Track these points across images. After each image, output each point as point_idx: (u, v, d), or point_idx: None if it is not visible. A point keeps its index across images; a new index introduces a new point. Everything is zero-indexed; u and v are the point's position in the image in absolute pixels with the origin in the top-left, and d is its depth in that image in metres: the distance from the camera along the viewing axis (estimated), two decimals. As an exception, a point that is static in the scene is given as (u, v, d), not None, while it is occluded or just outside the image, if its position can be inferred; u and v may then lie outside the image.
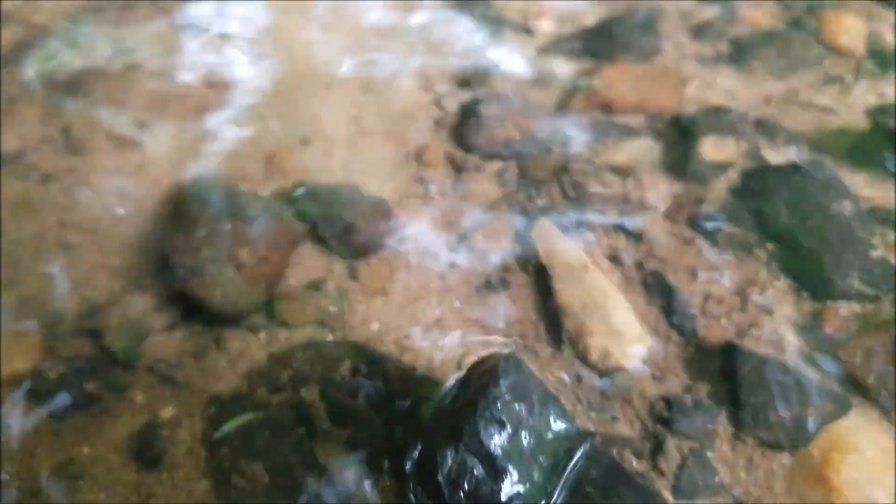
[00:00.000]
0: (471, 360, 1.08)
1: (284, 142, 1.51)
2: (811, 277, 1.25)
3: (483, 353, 1.13)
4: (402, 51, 1.72)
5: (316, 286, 1.25)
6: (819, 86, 1.63)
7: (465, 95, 1.61)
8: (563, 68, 1.68)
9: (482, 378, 0.96)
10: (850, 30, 1.76)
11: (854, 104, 1.60)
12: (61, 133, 1.54)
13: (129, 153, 1.49)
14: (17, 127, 1.55)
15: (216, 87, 1.60)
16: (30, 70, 1.66)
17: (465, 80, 1.65)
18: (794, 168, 1.40)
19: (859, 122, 1.55)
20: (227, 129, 1.53)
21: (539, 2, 1.87)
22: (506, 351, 1.09)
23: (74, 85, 1.62)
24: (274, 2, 1.83)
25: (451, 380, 1.02)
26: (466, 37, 1.76)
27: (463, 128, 1.52)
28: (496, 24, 1.80)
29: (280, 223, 1.31)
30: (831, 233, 1.29)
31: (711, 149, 1.45)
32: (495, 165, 1.47)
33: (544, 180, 1.45)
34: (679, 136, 1.49)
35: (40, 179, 1.46)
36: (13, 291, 1.25)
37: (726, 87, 1.62)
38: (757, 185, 1.38)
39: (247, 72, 1.64)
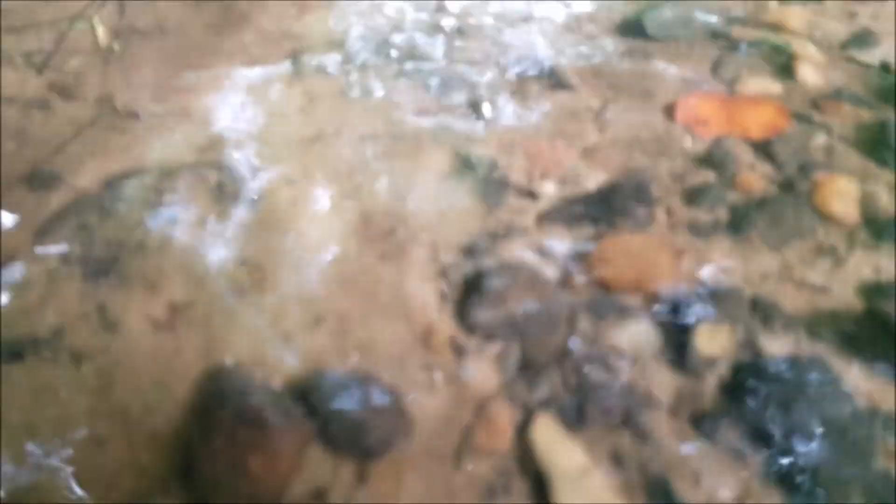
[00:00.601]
0: None
1: (300, 321, 1.51)
2: (808, 494, 1.19)
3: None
4: (414, 217, 1.72)
5: (321, 495, 1.23)
6: (812, 260, 1.58)
7: (470, 267, 1.59)
8: (565, 238, 1.65)
9: None
10: (843, 194, 1.71)
11: (848, 280, 1.54)
12: (96, 311, 1.56)
13: (164, 335, 1.49)
14: (54, 303, 1.56)
15: (247, 266, 1.61)
16: (68, 242, 1.69)
17: (470, 250, 1.63)
18: (789, 363, 1.35)
19: (853, 302, 1.49)
20: (252, 310, 1.53)
21: (543, 162, 1.87)
22: None
23: (111, 260, 1.64)
24: (300, 170, 1.87)
25: None
26: (472, 203, 1.75)
27: (466, 305, 1.50)
28: (500, 187, 1.79)
29: (291, 424, 1.29)
30: (829, 441, 1.23)
31: (707, 337, 1.41)
32: (496, 347, 1.44)
33: (545, 365, 1.42)
34: (675, 320, 1.46)
35: (72, 360, 1.47)
36: (43, 493, 1.26)
37: (721, 262, 1.57)
38: (751, 381, 1.33)
39: (271, 249, 1.65)
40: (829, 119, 1.94)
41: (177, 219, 1.73)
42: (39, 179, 1.85)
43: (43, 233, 1.71)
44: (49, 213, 1.75)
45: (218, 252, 1.65)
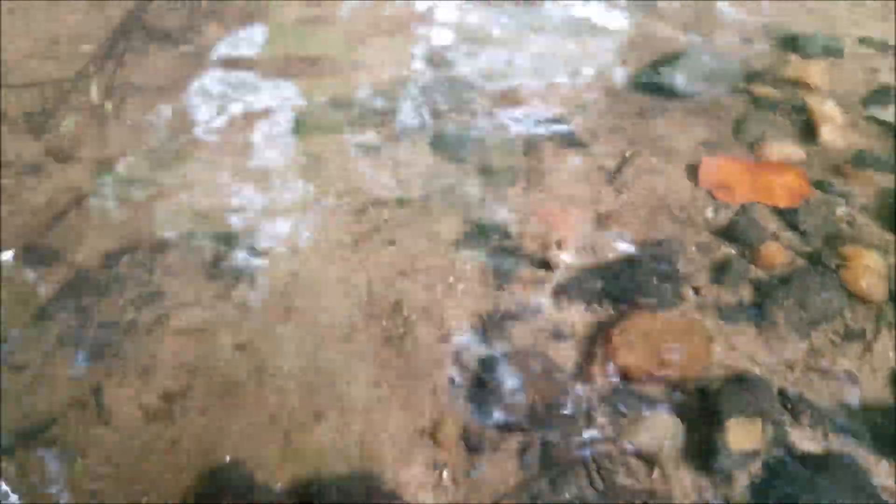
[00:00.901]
0: None
1: (300, 416, 1.45)
2: None
3: None
4: (421, 292, 1.69)
5: None
6: (840, 343, 1.54)
7: (482, 349, 1.54)
8: (583, 318, 1.61)
9: None
10: (869, 269, 1.66)
11: (877, 367, 1.49)
12: (91, 397, 1.51)
13: (158, 426, 1.44)
14: (47, 389, 1.52)
15: (242, 349, 1.58)
16: (64, 324, 1.65)
17: (482, 330, 1.59)
18: (818, 464, 1.30)
19: (882, 393, 1.45)
20: (249, 401, 1.48)
21: (557, 229, 1.82)
22: None
23: (104, 343, 1.60)
24: (302, 240, 1.84)
25: None
26: (484, 276, 1.71)
27: (480, 394, 1.46)
28: (512, 258, 1.75)
29: (297, 534, 1.26)
30: (865, 555, 1.20)
31: (736, 435, 1.35)
32: (515, 441, 1.39)
33: (569, 463, 1.37)
34: (702, 414, 1.40)
35: (63, 455, 1.41)
36: None
37: (749, 349, 1.53)
38: (782, 484, 1.29)
39: (269, 332, 1.61)
40: (851, 185, 1.90)
41: (172, 298, 1.70)
42: (37, 255, 1.81)
43: (42, 316, 1.67)
44: (51, 291, 1.71)
45: (214, 335, 1.61)
